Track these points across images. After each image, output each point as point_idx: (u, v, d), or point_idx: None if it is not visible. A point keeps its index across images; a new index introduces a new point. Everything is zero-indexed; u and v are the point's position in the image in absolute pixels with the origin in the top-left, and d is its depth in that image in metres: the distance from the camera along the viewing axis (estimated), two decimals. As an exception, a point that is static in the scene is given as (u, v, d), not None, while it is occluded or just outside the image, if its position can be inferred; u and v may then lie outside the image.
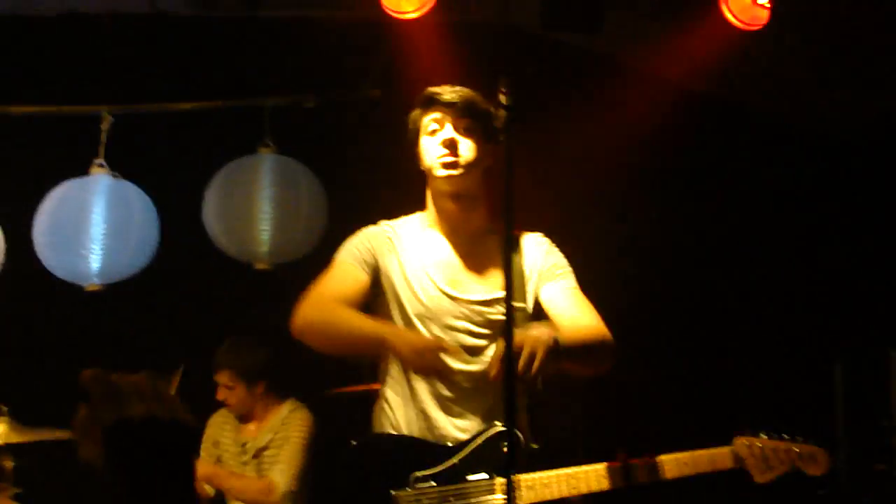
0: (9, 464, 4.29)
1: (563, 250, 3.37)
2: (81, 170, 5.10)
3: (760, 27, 4.74)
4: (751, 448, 3.44)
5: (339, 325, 3.14)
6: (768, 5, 4.70)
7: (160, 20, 5.53)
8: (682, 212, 5.69)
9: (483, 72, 4.76)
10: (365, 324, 3.11)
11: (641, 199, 5.62)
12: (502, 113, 2.78)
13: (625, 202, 5.52)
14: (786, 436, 3.54)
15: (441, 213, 3.31)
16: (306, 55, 5.43)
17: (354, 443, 3.15)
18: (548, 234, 3.39)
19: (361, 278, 3.22)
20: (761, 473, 3.47)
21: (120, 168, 5.13)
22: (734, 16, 4.74)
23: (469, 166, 3.21)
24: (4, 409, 4.35)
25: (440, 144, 3.21)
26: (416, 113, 3.32)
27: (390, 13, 4.74)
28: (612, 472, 3.13)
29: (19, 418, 4.39)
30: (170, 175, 5.36)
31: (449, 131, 3.22)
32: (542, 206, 3.54)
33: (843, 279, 5.76)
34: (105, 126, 5.19)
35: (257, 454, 4.89)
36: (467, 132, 3.23)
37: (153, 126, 5.46)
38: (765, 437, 3.46)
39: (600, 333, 3.17)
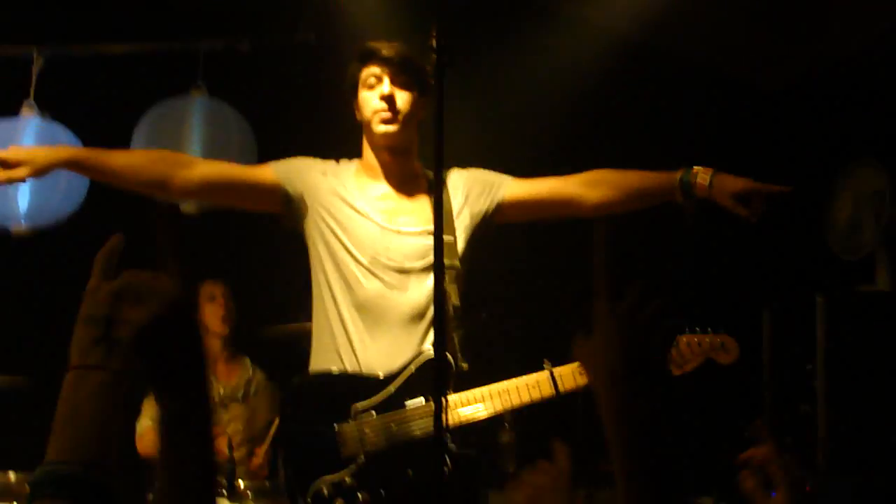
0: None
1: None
2: (12, 111, 5.05)
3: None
4: None
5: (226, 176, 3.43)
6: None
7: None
8: (612, 160, 5.73)
9: (415, 13, 4.82)
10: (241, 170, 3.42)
11: (571, 149, 5.64)
12: (433, 57, 2.84)
13: (554, 152, 5.55)
14: (697, 328, 3.74)
15: (376, 162, 3.43)
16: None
17: (295, 382, 3.26)
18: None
19: (273, 177, 3.37)
20: (678, 367, 3.66)
21: (51, 109, 5.09)
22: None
23: (405, 121, 3.35)
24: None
25: (379, 99, 3.33)
26: (353, 66, 3.42)
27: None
28: (540, 382, 3.25)
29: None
30: (101, 117, 5.30)
31: (387, 86, 3.33)
32: (474, 154, 3.58)
33: (770, 227, 5.83)
34: (36, 67, 5.14)
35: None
36: (404, 87, 3.35)
37: (85, 67, 5.40)
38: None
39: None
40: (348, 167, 3.45)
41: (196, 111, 5.01)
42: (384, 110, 3.32)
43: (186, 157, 3.64)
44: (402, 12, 5.04)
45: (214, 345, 5.27)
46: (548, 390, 3.29)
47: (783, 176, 5.81)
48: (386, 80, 3.33)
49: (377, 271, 3.27)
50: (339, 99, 3.49)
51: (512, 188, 3.43)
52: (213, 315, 5.26)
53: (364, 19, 5.18)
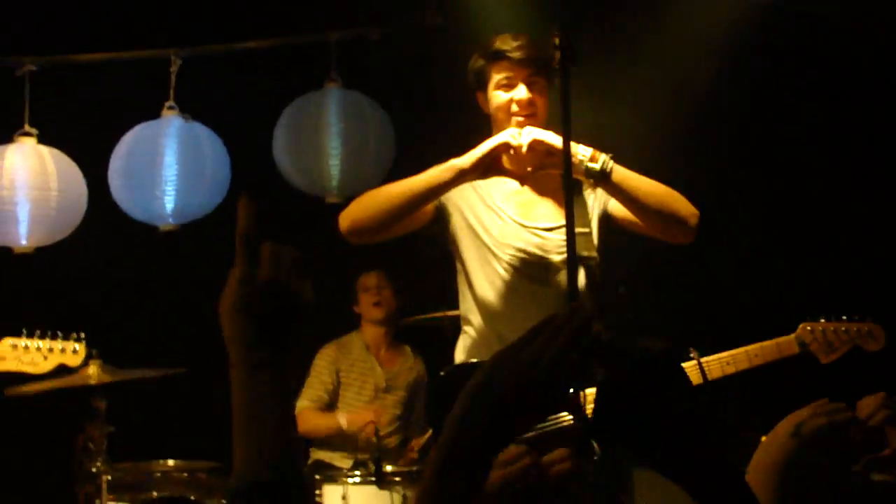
0: (101, 404, 4.40)
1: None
2: (153, 113, 5.16)
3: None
4: (814, 332, 3.67)
5: (397, 186, 3.26)
6: None
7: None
8: (756, 127, 5.59)
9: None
10: (427, 172, 3.22)
11: (714, 121, 5.53)
12: (557, 55, 2.83)
13: (697, 125, 5.43)
14: (844, 317, 3.74)
15: (508, 158, 3.37)
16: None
17: (442, 373, 3.25)
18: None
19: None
20: (825, 355, 3.71)
21: (190, 109, 5.19)
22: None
23: (541, 122, 3.33)
24: (94, 351, 4.45)
25: (517, 104, 3.32)
26: (480, 63, 3.40)
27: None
28: (688, 371, 3.22)
29: (108, 360, 4.50)
30: (239, 114, 5.40)
31: (523, 91, 3.32)
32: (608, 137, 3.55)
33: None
34: (174, 69, 5.25)
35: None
36: (539, 89, 3.34)
37: (220, 66, 5.50)
38: (824, 320, 3.69)
39: (671, 194, 3.24)
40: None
41: (333, 103, 5.04)
42: (523, 114, 3.31)
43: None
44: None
45: (376, 332, 5.40)
46: (695, 379, 3.31)
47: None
48: (521, 85, 3.31)
49: (519, 266, 3.30)
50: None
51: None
52: (367, 303, 5.37)
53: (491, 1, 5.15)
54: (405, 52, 5.41)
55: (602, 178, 3.14)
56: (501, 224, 3.33)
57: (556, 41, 2.89)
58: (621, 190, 3.17)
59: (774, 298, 5.29)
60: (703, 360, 3.49)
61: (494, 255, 3.30)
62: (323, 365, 5.33)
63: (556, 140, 3.10)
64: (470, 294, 3.35)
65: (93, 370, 4.43)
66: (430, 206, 3.32)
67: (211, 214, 5.07)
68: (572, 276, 2.73)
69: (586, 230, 3.30)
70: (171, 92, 5.21)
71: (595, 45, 3.64)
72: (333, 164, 4.98)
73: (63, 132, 5.21)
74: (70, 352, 4.45)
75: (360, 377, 5.35)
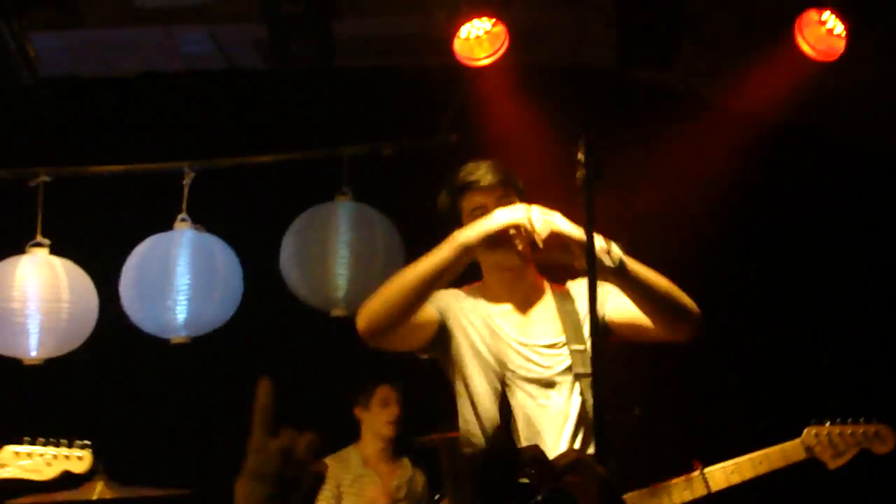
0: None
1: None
2: (165, 225, 5.19)
3: (836, 58, 4.68)
4: (819, 436, 3.59)
5: (406, 272, 3.17)
6: (844, 36, 4.64)
7: (237, 75, 5.63)
8: (766, 239, 5.64)
9: (558, 114, 4.83)
10: (432, 252, 3.15)
11: (727, 229, 5.57)
12: (581, 172, 2.82)
13: (710, 233, 5.47)
14: (850, 419, 3.66)
15: (501, 282, 3.37)
16: (381, 104, 5.48)
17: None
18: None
19: (431, 312, 3.29)
20: (833, 459, 3.63)
21: (203, 222, 5.22)
22: (810, 47, 4.69)
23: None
24: (100, 466, 4.40)
25: None
26: (450, 199, 3.40)
27: (463, 61, 4.76)
28: (691, 484, 3.23)
29: (114, 475, 4.44)
30: (251, 226, 5.43)
31: None
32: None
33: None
34: (187, 181, 5.29)
35: None
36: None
37: (234, 179, 5.54)
38: (829, 423, 3.63)
39: (676, 287, 3.16)
40: (471, 292, 3.42)
41: (342, 216, 5.07)
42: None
43: None
44: (545, 109, 5.07)
45: (377, 447, 5.34)
46: (700, 490, 3.27)
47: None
48: (491, 207, 3.26)
49: (519, 384, 3.26)
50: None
51: (613, 302, 3.30)
52: (381, 418, 5.31)
53: (505, 117, 5.20)
54: (417, 167, 5.46)
55: (618, 274, 3.08)
56: (501, 341, 3.30)
57: (580, 157, 2.86)
58: (635, 283, 3.10)
59: (778, 402, 5.28)
60: (707, 470, 3.44)
61: (495, 372, 3.26)
62: (324, 483, 5.26)
63: (573, 231, 3.07)
64: (470, 411, 3.31)
65: (98, 487, 4.37)
66: (433, 321, 3.30)
67: (222, 328, 5.05)
68: (598, 389, 2.69)
69: (581, 347, 3.27)
70: (184, 204, 5.24)
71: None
72: (341, 274, 4.98)
73: (75, 243, 5.24)
74: (75, 458, 4.40)
75: (360, 491, 5.28)
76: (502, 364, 3.28)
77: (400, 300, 3.13)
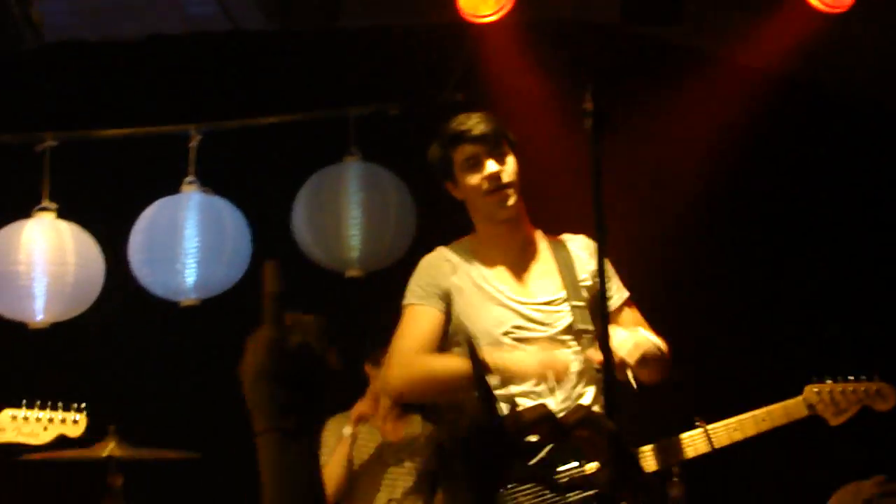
0: (118, 480, 4.37)
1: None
2: (173, 188, 5.19)
3: (845, 9, 4.65)
4: (820, 394, 3.63)
5: (436, 377, 3.24)
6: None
7: (241, 37, 5.61)
8: (773, 193, 5.63)
9: (563, 70, 4.81)
10: (462, 366, 3.10)
11: (734, 187, 5.56)
12: (588, 122, 2.80)
13: (715, 189, 5.46)
14: (851, 377, 3.69)
15: (495, 236, 3.37)
16: (387, 63, 5.46)
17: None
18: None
19: (435, 315, 3.31)
20: (834, 417, 3.66)
21: (210, 184, 5.22)
22: (818, -1, 4.66)
23: (517, 188, 3.31)
24: (111, 427, 4.42)
25: (489, 181, 3.27)
26: (441, 150, 3.39)
27: (468, 18, 4.74)
28: (695, 439, 3.29)
29: (126, 437, 4.47)
30: (259, 188, 5.43)
31: (493, 166, 3.28)
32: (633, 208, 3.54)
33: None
34: (193, 144, 5.28)
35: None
36: (503, 158, 3.30)
37: (241, 141, 5.53)
38: (831, 381, 3.66)
39: (665, 349, 3.23)
40: (464, 248, 3.40)
41: (352, 177, 5.06)
42: (497, 189, 3.27)
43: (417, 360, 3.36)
44: (551, 65, 5.05)
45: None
46: (704, 447, 3.38)
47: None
48: (488, 160, 3.28)
49: (518, 345, 3.25)
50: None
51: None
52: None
53: (511, 73, 5.19)
54: (424, 126, 5.45)
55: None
56: (496, 303, 3.29)
57: (587, 106, 2.84)
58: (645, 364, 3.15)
59: (780, 359, 5.29)
60: (710, 427, 3.46)
61: (493, 336, 3.26)
62: (333, 442, 5.23)
63: (653, 346, 3.15)
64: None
65: (110, 445, 4.40)
66: (442, 324, 3.31)
67: (231, 289, 5.06)
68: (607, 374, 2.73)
69: (581, 303, 3.28)
70: (191, 166, 5.24)
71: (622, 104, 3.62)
72: (354, 235, 4.97)
73: (83, 207, 5.24)
74: (70, 422, 4.45)
75: (364, 449, 5.26)
76: (500, 325, 3.26)
77: (421, 394, 3.44)
